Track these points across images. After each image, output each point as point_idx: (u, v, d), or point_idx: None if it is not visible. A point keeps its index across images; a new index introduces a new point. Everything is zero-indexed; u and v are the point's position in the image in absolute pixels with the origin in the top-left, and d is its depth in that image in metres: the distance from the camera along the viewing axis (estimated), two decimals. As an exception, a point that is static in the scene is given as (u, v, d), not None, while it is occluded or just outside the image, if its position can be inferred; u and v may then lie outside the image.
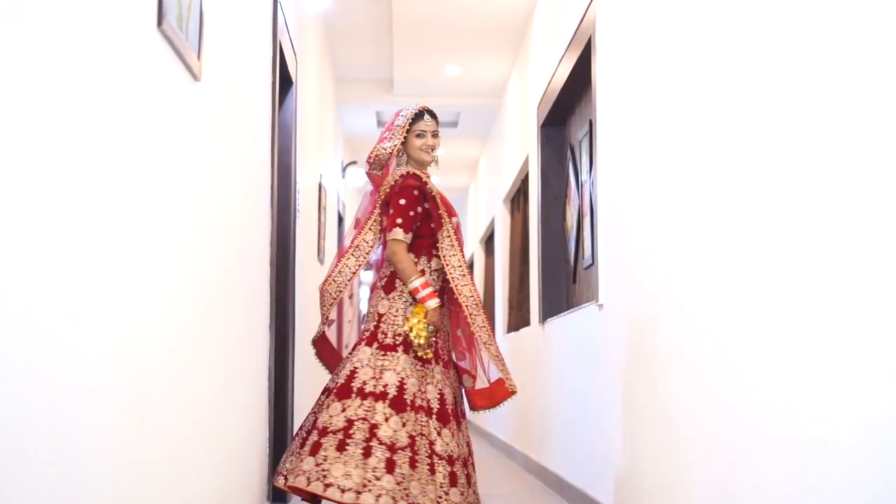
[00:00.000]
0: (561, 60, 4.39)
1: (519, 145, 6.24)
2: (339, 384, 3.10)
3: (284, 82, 3.96)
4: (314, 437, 3.02)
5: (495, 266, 8.06)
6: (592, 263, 4.05)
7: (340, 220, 7.53)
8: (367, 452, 2.96)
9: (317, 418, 3.09)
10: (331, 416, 3.03)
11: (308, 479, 2.95)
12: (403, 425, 3.01)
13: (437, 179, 3.89)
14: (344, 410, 3.03)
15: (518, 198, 6.81)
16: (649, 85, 2.87)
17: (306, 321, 4.90)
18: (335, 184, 7.00)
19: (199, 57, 2.18)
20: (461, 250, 3.27)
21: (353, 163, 8.19)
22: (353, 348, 3.23)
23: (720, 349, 2.20)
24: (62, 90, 1.34)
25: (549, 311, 4.93)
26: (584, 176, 4.34)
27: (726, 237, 2.18)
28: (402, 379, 3.09)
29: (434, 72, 6.82)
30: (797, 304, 1.80)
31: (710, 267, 2.29)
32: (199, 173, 2.23)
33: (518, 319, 6.67)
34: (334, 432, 2.99)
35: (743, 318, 2.07)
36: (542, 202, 5.07)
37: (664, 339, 2.68)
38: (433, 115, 3.36)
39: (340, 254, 3.39)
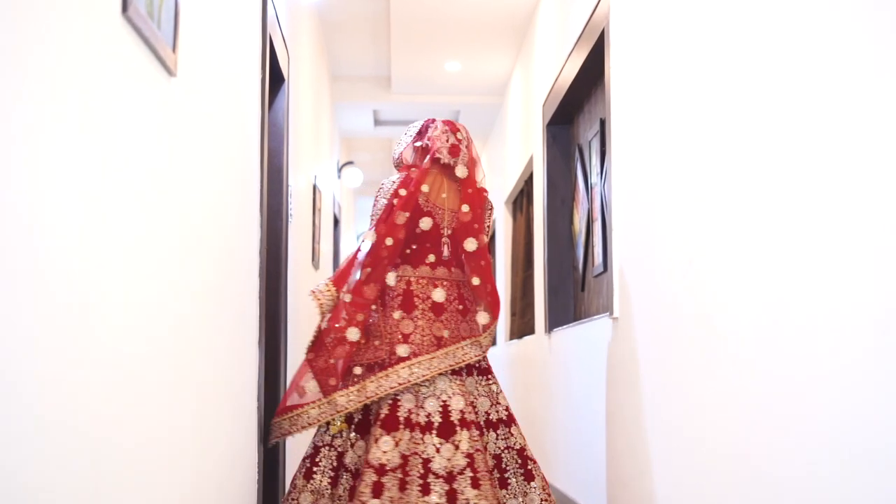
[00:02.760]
0: (569, 56, 4.16)
1: (522, 145, 6.02)
2: (481, 420, 3.08)
3: (275, 79, 3.72)
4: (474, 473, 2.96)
5: (496, 270, 7.84)
6: (604, 271, 3.83)
7: (336, 222, 7.30)
8: (530, 476, 3.09)
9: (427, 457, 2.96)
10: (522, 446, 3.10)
11: None
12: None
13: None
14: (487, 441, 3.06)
15: (521, 199, 6.59)
16: (670, 80, 2.64)
17: (301, 332, 4.67)
18: (331, 185, 6.77)
19: (174, 49, 1.95)
20: None
21: (350, 163, 7.96)
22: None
23: (759, 367, 1.97)
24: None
25: (555, 321, 4.70)
26: (594, 178, 4.11)
27: (758, 242, 1.96)
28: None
29: (434, 68, 6.60)
30: (848, 314, 1.57)
31: (744, 276, 2.05)
32: (175, 178, 2.00)
33: (521, 326, 6.45)
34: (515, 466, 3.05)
35: (784, 332, 1.84)
36: (548, 205, 4.84)
37: (691, 355, 2.44)
38: None
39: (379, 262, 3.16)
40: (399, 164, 3.39)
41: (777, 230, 1.89)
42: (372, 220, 3.24)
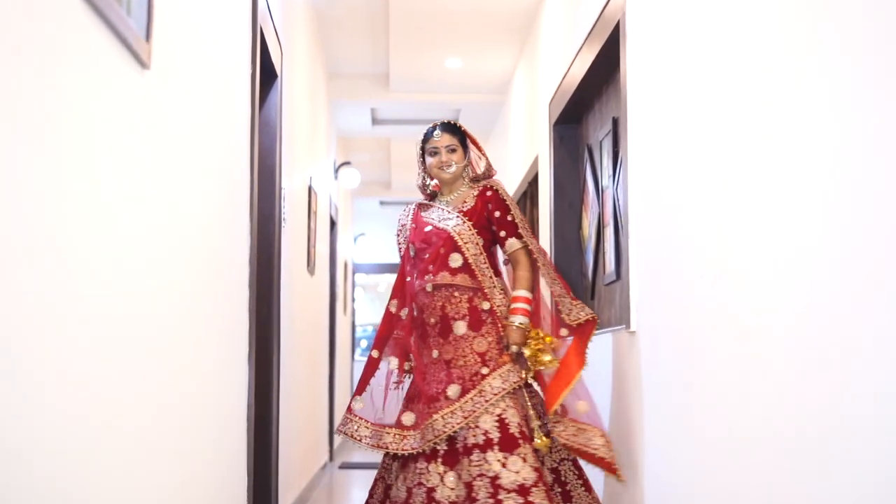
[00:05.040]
0: (579, 51, 3.94)
1: (526, 145, 5.80)
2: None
3: (267, 75, 3.50)
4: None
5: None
6: (617, 279, 3.61)
7: (333, 224, 7.07)
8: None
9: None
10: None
11: None
12: None
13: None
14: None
15: (524, 202, 6.37)
16: (693, 75, 2.44)
17: (295, 342, 4.45)
18: (327, 186, 6.55)
19: (148, 39, 1.73)
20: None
21: (347, 163, 7.74)
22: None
23: (800, 388, 1.75)
24: None
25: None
26: (605, 180, 3.89)
27: (796, 248, 1.77)
28: None
29: (434, 66, 6.39)
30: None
31: (781, 285, 1.86)
32: (151, 181, 1.78)
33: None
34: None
35: (830, 349, 1.63)
36: (555, 208, 4.63)
37: (724, 374, 2.22)
38: (447, 128, 3.27)
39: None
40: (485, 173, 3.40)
41: (816, 234, 1.71)
42: (521, 227, 3.31)
